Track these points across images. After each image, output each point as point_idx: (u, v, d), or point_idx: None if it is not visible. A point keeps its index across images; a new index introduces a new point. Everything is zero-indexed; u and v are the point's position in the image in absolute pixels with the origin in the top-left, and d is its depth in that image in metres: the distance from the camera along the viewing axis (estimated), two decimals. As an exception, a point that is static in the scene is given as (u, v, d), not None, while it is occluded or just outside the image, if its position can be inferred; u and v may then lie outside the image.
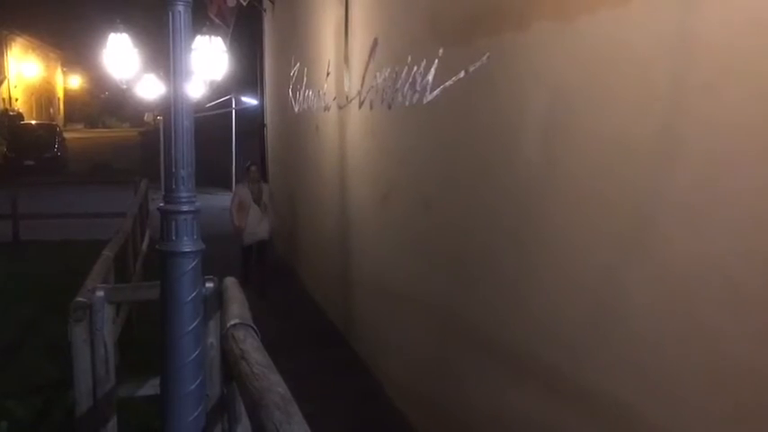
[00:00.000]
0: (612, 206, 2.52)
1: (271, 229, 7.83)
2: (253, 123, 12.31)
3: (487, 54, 3.38)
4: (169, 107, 1.62)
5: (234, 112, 16.35)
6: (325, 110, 6.84)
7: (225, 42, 8.19)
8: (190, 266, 1.68)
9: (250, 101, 13.70)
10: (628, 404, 2.42)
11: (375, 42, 5.12)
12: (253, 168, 7.84)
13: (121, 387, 3.34)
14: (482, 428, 3.52)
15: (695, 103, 2.12)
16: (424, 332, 4.37)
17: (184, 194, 1.67)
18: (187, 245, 1.69)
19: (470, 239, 3.69)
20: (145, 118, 31.46)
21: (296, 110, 8.38)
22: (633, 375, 2.41)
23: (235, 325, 2.08)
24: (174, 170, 1.63)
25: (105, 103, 43.56)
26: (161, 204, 1.71)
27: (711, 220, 2.06)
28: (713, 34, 2.04)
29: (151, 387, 3.44)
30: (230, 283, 2.94)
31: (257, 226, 7.62)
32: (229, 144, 16.54)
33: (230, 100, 16.10)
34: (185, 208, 1.67)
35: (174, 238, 1.67)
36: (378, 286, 5.27)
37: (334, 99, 6.41)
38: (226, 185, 16.33)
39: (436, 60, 3.96)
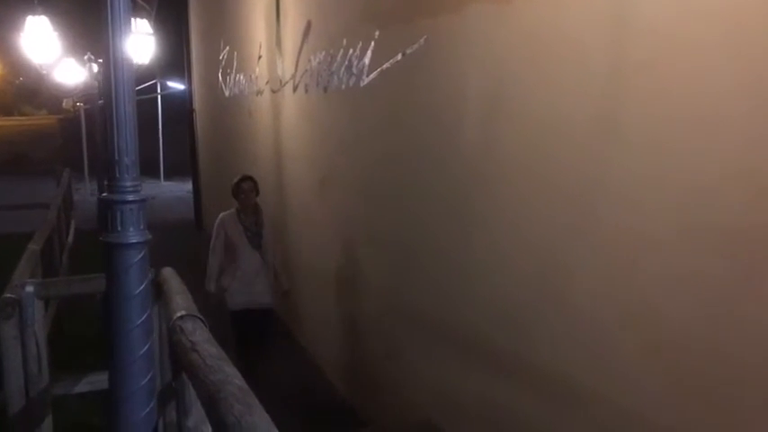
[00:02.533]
0: (554, 187, 2.56)
1: (276, 289, 4.97)
2: (180, 109, 11.99)
3: (425, 36, 3.38)
4: (109, 92, 1.54)
5: (160, 97, 15.90)
6: (257, 94, 6.72)
7: (150, 25, 7.93)
8: (137, 258, 1.62)
9: (177, 85, 13.35)
10: (575, 379, 2.49)
11: (308, 25, 5.05)
12: (247, 186, 4.76)
13: (56, 385, 3.22)
14: (433, 411, 3.55)
15: (632, 83, 2.17)
16: (371, 317, 4.37)
17: (129, 183, 1.60)
18: (134, 236, 1.62)
19: (413, 222, 3.70)
20: (63, 104, 30.22)
21: (226, 94, 8.21)
22: (578, 352, 2.47)
23: (182, 317, 2.03)
24: (117, 158, 1.56)
25: (19, 90, 41.64)
26: (104, 194, 1.65)
27: (649, 199, 2.12)
28: (648, 14, 2.09)
29: (88, 384, 3.33)
30: (169, 273, 2.87)
31: (254, 284, 4.75)
32: (156, 131, 16.09)
33: (155, 85, 15.64)
34: (131, 197, 1.61)
35: (119, 228, 1.61)
36: (319, 272, 5.24)
37: (267, 83, 6.30)
38: (154, 174, 15.92)
39: (372, 43, 3.93)
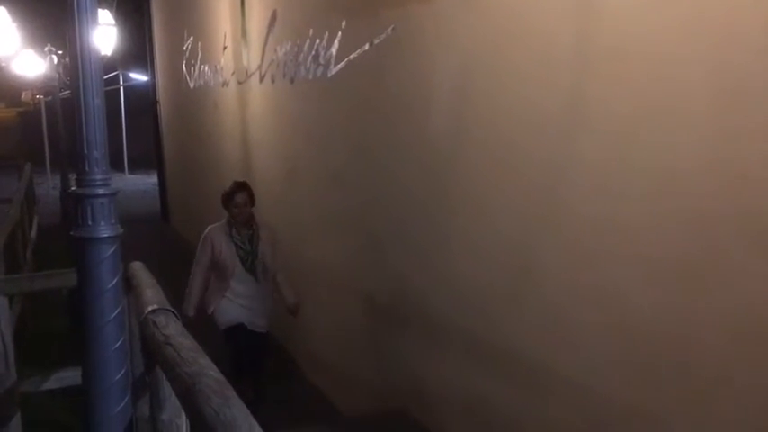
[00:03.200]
0: (522, 175, 2.59)
1: (271, 314, 4.35)
2: (144, 100, 11.82)
3: (392, 26, 3.38)
4: (77, 85, 1.52)
5: (123, 89, 15.65)
6: (223, 85, 6.65)
7: (111, 15, 7.78)
8: (109, 252, 1.60)
9: (140, 77, 13.15)
10: (545, 362, 2.53)
11: (274, 15, 5.01)
12: (240, 200, 4.11)
13: (23, 382, 3.18)
14: (405, 398, 3.58)
15: (599, 71, 2.20)
16: (339, 306, 4.38)
17: (99, 177, 1.58)
18: (105, 230, 1.60)
19: (382, 211, 3.71)
20: (23, 97, 29.55)
21: (191, 86, 8.11)
22: (548, 336, 2.51)
23: (154, 311, 2.01)
24: (86, 152, 1.53)
25: (-26, 82, 40.53)
26: (74, 188, 1.62)
27: (616, 186, 2.16)
28: (614, 2, 2.12)
29: (56, 380, 3.29)
30: (138, 267, 2.84)
31: (248, 303, 4.17)
32: (119, 123, 15.84)
33: (118, 77, 15.39)
34: (101, 191, 1.59)
35: (90, 223, 1.59)
36: (289, 262, 5.23)
37: (233, 74, 6.24)
38: (117, 167, 15.66)
39: (339, 33, 3.92)
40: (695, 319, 1.92)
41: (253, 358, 4.28)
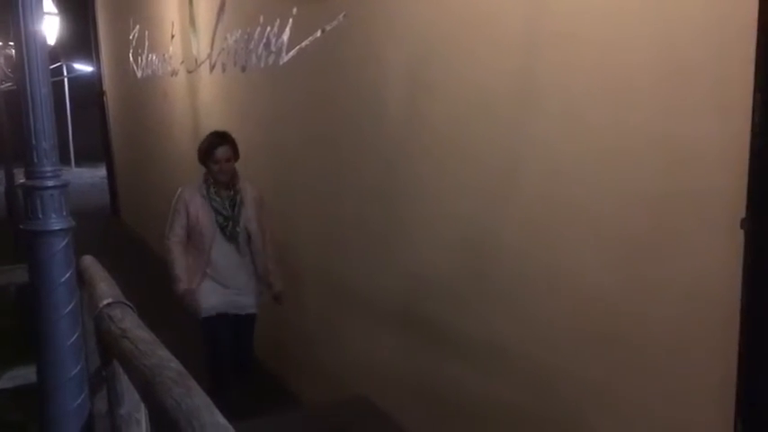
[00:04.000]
0: (476, 159, 2.62)
1: (261, 290, 3.83)
2: (89, 91, 11.53)
3: (344, 13, 3.37)
4: (24, 76, 1.47)
5: (67, 80, 15.24)
6: (172, 74, 6.54)
7: (53, 4, 7.56)
8: (61, 245, 1.57)
9: (84, 67, 12.82)
10: (504, 343, 2.57)
11: (223, 2, 4.94)
12: (222, 154, 3.56)
13: (-30, 383, 3.10)
14: (365, 384, 3.60)
15: (548, 55, 2.23)
16: (298, 296, 4.37)
17: (48, 168, 1.54)
18: (56, 222, 1.57)
19: (337, 199, 3.71)
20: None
21: (139, 75, 7.94)
22: (506, 317, 2.55)
23: (109, 304, 1.98)
24: (34, 143, 1.49)
25: None
26: (22, 180, 1.58)
27: (570, 164, 2.20)
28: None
29: (9, 380, 3.22)
30: (89, 261, 2.79)
31: (232, 280, 3.68)
32: (64, 115, 15.43)
33: (61, 67, 14.97)
34: (51, 183, 1.55)
35: (40, 216, 1.55)
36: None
37: (182, 63, 6.14)
38: (64, 160, 15.26)
39: (291, 20, 3.89)
40: (647, 295, 1.98)
41: (241, 350, 3.75)
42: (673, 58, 1.82)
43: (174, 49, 6.35)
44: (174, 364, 1.49)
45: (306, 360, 4.32)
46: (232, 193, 3.64)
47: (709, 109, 1.73)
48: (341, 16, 3.38)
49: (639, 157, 1.94)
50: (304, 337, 4.34)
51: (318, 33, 3.60)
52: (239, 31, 4.64)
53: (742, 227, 1.59)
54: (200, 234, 3.60)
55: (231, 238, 3.63)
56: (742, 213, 1.59)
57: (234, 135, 4.92)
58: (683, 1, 1.78)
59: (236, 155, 3.63)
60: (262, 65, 4.33)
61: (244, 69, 4.65)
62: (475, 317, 2.73)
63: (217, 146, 3.58)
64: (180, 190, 3.70)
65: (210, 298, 3.66)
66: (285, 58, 3.99)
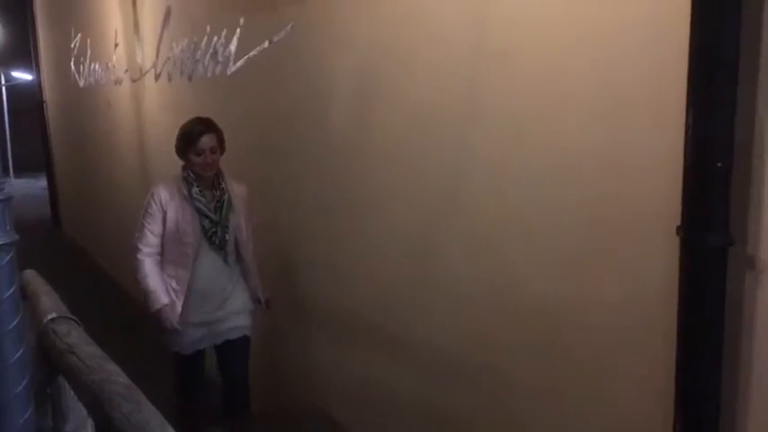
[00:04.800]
0: (421, 171, 2.65)
1: (253, 308, 3.33)
2: (29, 100, 11.21)
3: (292, 24, 3.37)
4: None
5: (4, 89, 14.80)
6: (116, 83, 6.42)
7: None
8: (5, 260, 1.53)
9: (24, 76, 12.47)
10: (451, 354, 2.61)
11: (168, 11, 4.89)
12: (207, 143, 3.04)
13: None
14: (319, 396, 3.59)
15: (492, 67, 2.28)
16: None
17: (-9, 182, 1.51)
18: (0, 237, 1.54)
19: (284, 210, 3.70)
20: None
21: (81, 84, 7.77)
22: (451, 326, 2.59)
23: (54, 319, 1.95)
24: (-25, 156, 1.46)
25: None
26: (-37, 194, 1.54)
27: (512, 179, 2.26)
28: (507, 7, 2.21)
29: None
30: (31, 275, 2.73)
31: (220, 305, 3.15)
32: (2, 125, 14.98)
33: (-1, 75, 14.54)
34: (-6, 197, 1.52)
35: (-17, 230, 1.51)
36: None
37: (126, 72, 6.04)
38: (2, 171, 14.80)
39: (238, 30, 3.87)
40: (587, 303, 2.04)
41: (234, 384, 3.21)
42: (610, 75, 1.89)
43: (118, 57, 6.25)
44: (123, 378, 1.47)
45: (256, 369, 4.28)
46: (218, 192, 3.07)
47: (645, 124, 1.80)
48: (289, 27, 3.39)
49: (579, 172, 2.01)
50: (253, 346, 4.30)
51: (266, 44, 3.60)
52: (186, 41, 4.60)
53: (678, 234, 1.66)
54: (179, 243, 2.96)
55: (219, 246, 3.03)
56: (678, 221, 1.66)
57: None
58: (620, 20, 1.84)
59: (221, 146, 3.09)
60: (209, 74, 4.29)
61: (190, 79, 4.60)
62: (418, 327, 2.76)
63: (200, 133, 2.99)
64: (154, 189, 3.06)
65: (189, 333, 3.05)
66: (233, 68, 3.97)
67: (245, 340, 3.28)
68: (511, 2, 2.18)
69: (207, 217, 3.03)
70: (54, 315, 1.97)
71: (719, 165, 1.54)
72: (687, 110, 1.59)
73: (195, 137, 3.03)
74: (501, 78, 2.25)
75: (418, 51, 2.59)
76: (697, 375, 1.66)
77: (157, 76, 5.24)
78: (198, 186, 3.05)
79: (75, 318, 1.99)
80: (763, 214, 1.56)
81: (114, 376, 1.48)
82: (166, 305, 3.02)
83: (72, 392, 1.77)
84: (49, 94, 9.99)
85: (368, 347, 3.13)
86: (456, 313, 2.57)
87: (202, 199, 3.03)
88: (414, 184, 2.70)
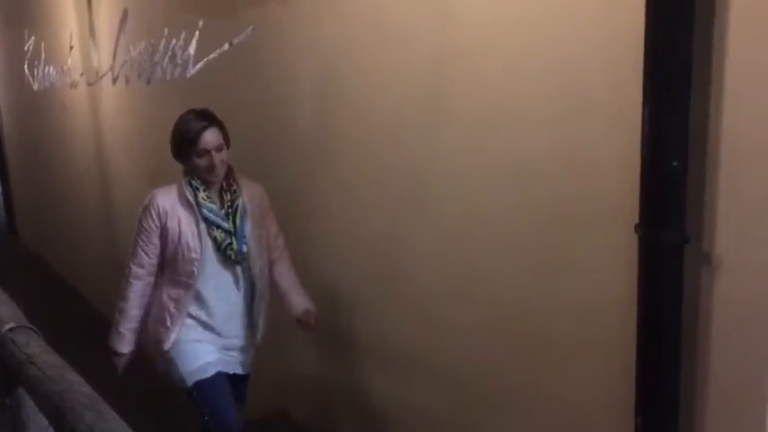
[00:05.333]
0: (390, 169, 2.66)
1: (257, 342, 2.81)
2: (-20, 105, 10.92)
3: (252, 26, 3.36)
4: None
5: (-46, 92, 14.38)
6: (71, 87, 6.30)
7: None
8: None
9: (-26, 79, 12.13)
10: (416, 353, 2.62)
11: (125, 14, 4.81)
12: (211, 139, 2.53)
13: None
14: (282, 399, 3.57)
15: (455, 67, 2.30)
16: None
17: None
18: (-45, 246, 1.50)
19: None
20: None
21: (35, 88, 7.61)
22: (419, 326, 2.60)
23: (12, 329, 1.90)
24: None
25: None
26: None
27: (478, 178, 2.28)
28: (467, 11, 2.23)
29: None
30: (-16, 285, 2.66)
31: (228, 334, 2.68)
32: (-48, 129, 14.55)
33: (-52, 79, 14.13)
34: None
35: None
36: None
37: (82, 75, 5.93)
38: (-48, 176, 14.40)
39: (197, 33, 3.84)
40: (553, 300, 2.07)
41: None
42: (569, 76, 1.92)
43: (74, 60, 6.13)
44: (86, 388, 1.45)
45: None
46: (230, 195, 2.58)
47: (603, 122, 1.84)
48: (249, 30, 3.37)
49: (540, 172, 2.04)
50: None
51: (226, 46, 3.57)
52: (143, 43, 4.54)
53: (636, 231, 1.69)
54: (183, 260, 2.52)
55: (233, 261, 2.57)
56: (636, 219, 1.69)
57: (142, 150, 4.73)
58: (577, 21, 1.88)
59: (227, 140, 2.58)
60: (168, 77, 4.24)
61: (149, 82, 4.54)
62: (389, 328, 2.77)
63: (201, 130, 2.48)
64: (149, 199, 2.61)
65: (199, 351, 2.57)
66: (192, 70, 3.93)
67: (247, 378, 2.84)
68: (471, 6, 2.20)
69: (218, 227, 2.53)
70: (12, 325, 1.92)
71: (675, 164, 1.58)
72: (643, 110, 1.63)
73: (195, 136, 2.49)
74: (463, 81, 2.27)
75: (381, 54, 2.60)
76: (656, 371, 1.70)
77: (114, 80, 5.16)
78: (205, 191, 2.56)
79: (33, 327, 1.94)
80: (717, 212, 1.60)
81: (76, 386, 1.45)
82: (123, 355, 2.72)
83: (32, 403, 1.73)
84: (1, 98, 9.76)
85: (331, 349, 3.13)
86: (421, 316, 2.58)
87: (212, 205, 2.54)
88: (378, 187, 2.71)
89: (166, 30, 4.15)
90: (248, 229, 2.62)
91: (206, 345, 2.63)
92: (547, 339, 2.10)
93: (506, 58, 2.11)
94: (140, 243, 2.61)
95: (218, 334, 2.65)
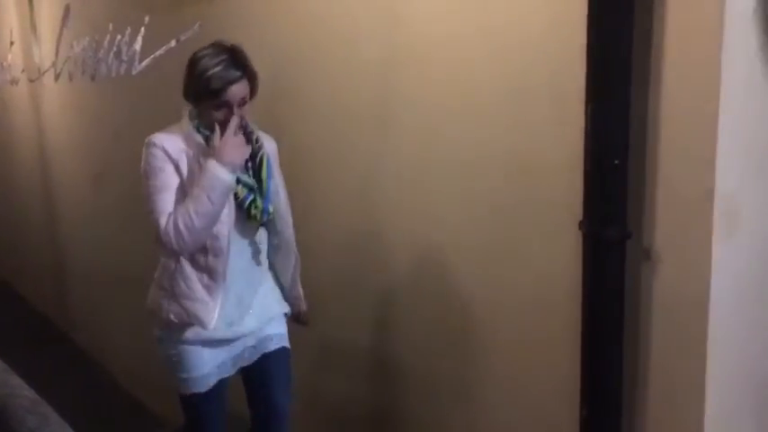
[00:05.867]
0: (341, 169, 2.66)
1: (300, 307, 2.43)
2: None
3: (199, 23, 3.32)
4: None
5: None
6: (12, 83, 6.13)
7: None
8: None
9: None
10: (375, 350, 2.63)
11: (67, 9, 4.70)
12: (236, 90, 2.04)
13: None
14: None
15: (403, 70, 2.32)
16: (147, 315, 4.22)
17: None
18: None
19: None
20: None
21: (-26, 84, 7.36)
22: (378, 325, 2.62)
23: (-50, 333, 1.85)
24: None
25: None
26: None
27: (428, 177, 2.30)
28: (413, 7, 2.25)
29: None
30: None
31: (245, 308, 2.22)
32: None
33: None
34: None
35: None
36: (99, 273, 4.95)
37: (23, 71, 5.77)
38: None
39: (143, 29, 3.78)
40: (500, 296, 2.10)
41: (274, 411, 2.32)
42: (515, 75, 1.95)
43: (14, 56, 5.96)
44: (28, 392, 1.42)
45: (162, 380, 4.18)
46: (250, 145, 2.13)
47: (549, 121, 1.88)
48: (196, 26, 3.33)
49: (489, 168, 2.07)
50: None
51: (173, 43, 3.52)
52: (87, 39, 4.44)
53: (580, 228, 1.73)
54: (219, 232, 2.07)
55: (256, 223, 2.17)
56: (580, 216, 1.73)
57: (87, 148, 4.60)
58: (523, 22, 1.91)
59: (254, 92, 2.15)
60: (113, 74, 4.16)
61: (93, 78, 4.45)
62: (345, 327, 2.77)
63: (231, 82, 2.02)
64: (149, 141, 2.15)
65: (205, 356, 2.18)
66: (138, 67, 3.87)
67: (285, 353, 2.35)
68: (421, 6, 2.22)
69: (238, 180, 2.07)
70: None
71: (616, 162, 1.63)
72: (585, 110, 1.67)
73: (221, 87, 2.01)
74: (413, 80, 2.29)
75: (332, 53, 2.59)
76: (599, 365, 1.74)
77: (57, 76, 5.03)
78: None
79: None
80: (656, 209, 1.66)
81: (18, 390, 1.42)
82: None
83: (-28, 409, 1.68)
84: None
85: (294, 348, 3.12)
86: (376, 312, 2.59)
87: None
88: (329, 187, 2.71)
89: (111, 25, 4.07)
90: (272, 188, 2.18)
91: (211, 347, 2.19)
92: (494, 333, 2.14)
93: (455, 60, 2.13)
94: (159, 192, 2.03)
95: (230, 319, 2.19)
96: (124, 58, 4.00)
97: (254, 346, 2.29)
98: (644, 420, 1.75)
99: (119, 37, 4.01)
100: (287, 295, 2.40)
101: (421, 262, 2.36)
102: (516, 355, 2.08)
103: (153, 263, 4.13)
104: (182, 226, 1.96)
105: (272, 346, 2.32)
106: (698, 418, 1.63)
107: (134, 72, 3.91)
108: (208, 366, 2.20)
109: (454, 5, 2.10)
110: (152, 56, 3.72)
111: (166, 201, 2.02)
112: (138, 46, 3.84)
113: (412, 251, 2.39)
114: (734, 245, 1.59)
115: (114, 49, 4.09)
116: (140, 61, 3.84)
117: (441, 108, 2.20)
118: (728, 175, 1.55)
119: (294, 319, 2.45)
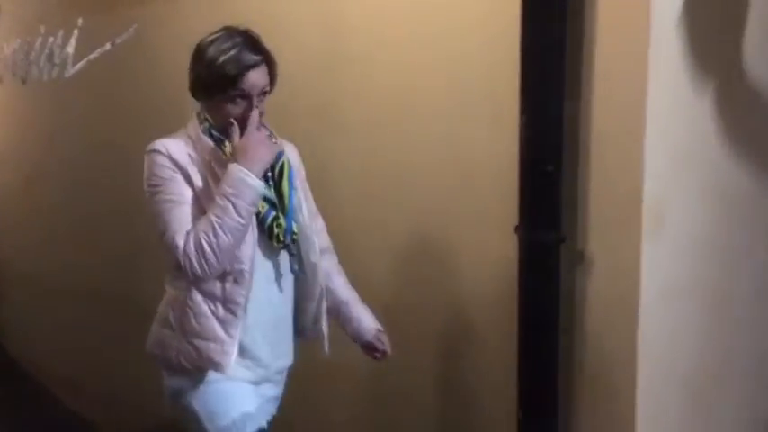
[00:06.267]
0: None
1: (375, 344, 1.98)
2: None
3: (135, 26, 3.26)
4: None
5: None
6: (-62, 86, 5.89)
7: None
8: None
9: None
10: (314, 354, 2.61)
11: (-3, 9, 4.56)
12: (254, 77, 1.70)
13: None
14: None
15: (346, 74, 2.32)
16: (89, 322, 4.12)
17: None
18: None
19: (138, 222, 3.55)
20: None
21: None
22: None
23: None
24: None
25: None
26: None
27: (368, 184, 2.31)
28: (354, 12, 2.25)
29: None
30: None
31: (273, 353, 1.86)
32: None
33: None
34: None
35: None
36: (30, 279, 4.80)
37: (-49, 73, 5.55)
38: None
39: (76, 31, 3.68)
40: (438, 300, 2.12)
41: None
42: (453, 82, 1.98)
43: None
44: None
45: (97, 387, 4.08)
46: (276, 142, 1.83)
47: (485, 127, 1.91)
48: (131, 29, 3.26)
49: (428, 172, 2.09)
50: (97, 367, 4.10)
51: (108, 46, 3.44)
52: (18, 41, 4.31)
53: (516, 232, 1.76)
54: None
55: (278, 244, 1.81)
56: (516, 221, 1.77)
57: (16, 151, 4.47)
58: (459, 23, 1.94)
59: (273, 83, 1.82)
60: (45, 77, 4.04)
61: (24, 82, 4.31)
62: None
63: (249, 67, 1.71)
64: (153, 147, 1.88)
65: (236, 396, 1.81)
66: (71, 70, 3.77)
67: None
68: (361, 9, 2.23)
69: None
70: None
71: (550, 168, 1.66)
72: (520, 115, 1.70)
73: (239, 73, 1.70)
74: (355, 84, 2.29)
75: (279, 50, 2.57)
76: (535, 366, 1.77)
77: (-14, 79, 4.87)
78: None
79: None
80: (589, 212, 1.70)
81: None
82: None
83: None
84: None
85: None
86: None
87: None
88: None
89: (43, 27, 3.96)
90: (296, 201, 1.85)
91: (242, 384, 1.81)
92: (430, 337, 2.15)
93: (397, 69, 2.14)
94: (170, 208, 1.75)
95: (258, 360, 1.83)
96: (56, 60, 3.89)
97: (275, 396, 1.95)
98: (578, 421, 1.78)
99: (51, 39, 3.90)
100: (305, 330, 1.99)
101: (357, 267, 2.36)
102: (456, 358, 2.10)
103: (91, 267, 4.04)
104: (205, 245, 1.65)
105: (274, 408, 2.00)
106: (630, 417, 1.68)
107: (67, 75, 3.80)
108: (237, 409, 1.78)
109: (398, 12, 2.12)
110: (86, 59, 3.63)
111: (183, 216, 1.72)
112: (71, 49, 3.74)
113: (355, 258, 2.39)
114: (662, 245, 1.65)
115: (46, 51, 3.97)
116: (74, 64, 3.74)
117: (381, 110, 2.21)
118: (656, 178, 1.60)
119: (365, 347, 2.03)
